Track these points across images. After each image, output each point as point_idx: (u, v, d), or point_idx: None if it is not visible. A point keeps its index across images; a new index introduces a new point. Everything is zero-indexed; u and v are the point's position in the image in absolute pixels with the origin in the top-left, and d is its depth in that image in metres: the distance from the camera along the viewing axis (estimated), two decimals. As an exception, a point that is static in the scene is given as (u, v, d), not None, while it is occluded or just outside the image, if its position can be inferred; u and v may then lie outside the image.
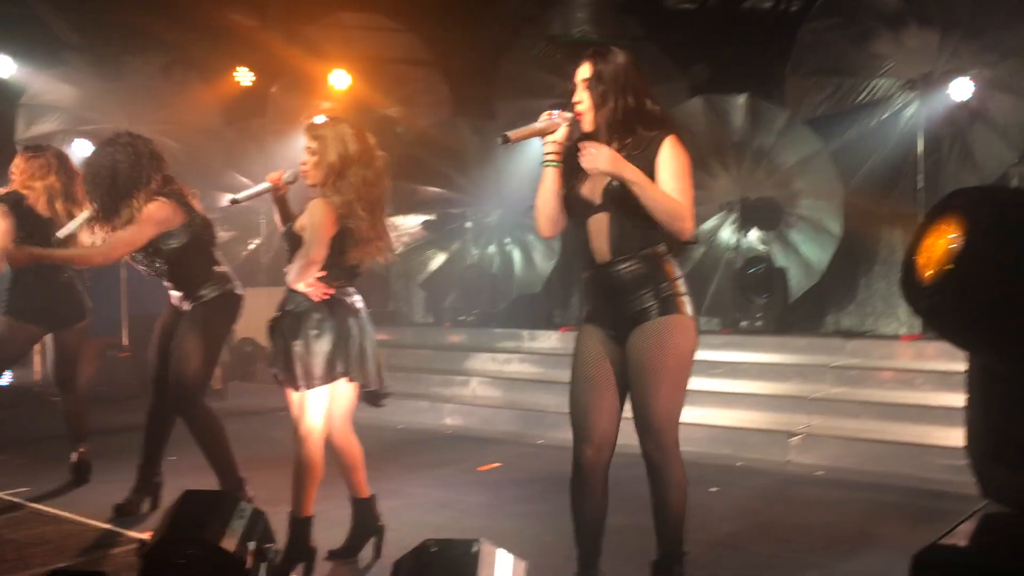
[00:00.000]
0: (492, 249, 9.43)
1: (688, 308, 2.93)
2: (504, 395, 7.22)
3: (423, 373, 7.80)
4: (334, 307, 3.43)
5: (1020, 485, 1.70)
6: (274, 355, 3.45)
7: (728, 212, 7.94)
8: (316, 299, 3.39)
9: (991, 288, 1.63)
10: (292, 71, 9.36)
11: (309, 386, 3.37)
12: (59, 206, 4.74)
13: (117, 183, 4.01)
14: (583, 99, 2.92)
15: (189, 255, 4.12)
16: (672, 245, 2.96)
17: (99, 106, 9.27)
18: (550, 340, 7.86)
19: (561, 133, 2.93)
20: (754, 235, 7.91)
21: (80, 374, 5.04)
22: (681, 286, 2.93)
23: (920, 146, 6.95)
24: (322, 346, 3.36)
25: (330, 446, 3.56)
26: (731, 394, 6.12)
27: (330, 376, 3.39)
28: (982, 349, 1.75)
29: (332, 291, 3.42)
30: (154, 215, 3.99)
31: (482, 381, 7.41)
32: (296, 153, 9.61)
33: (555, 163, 2.95)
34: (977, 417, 1.82)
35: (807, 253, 7.68)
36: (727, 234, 8.07)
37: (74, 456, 4.96)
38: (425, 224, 9.41)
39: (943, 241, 1.73)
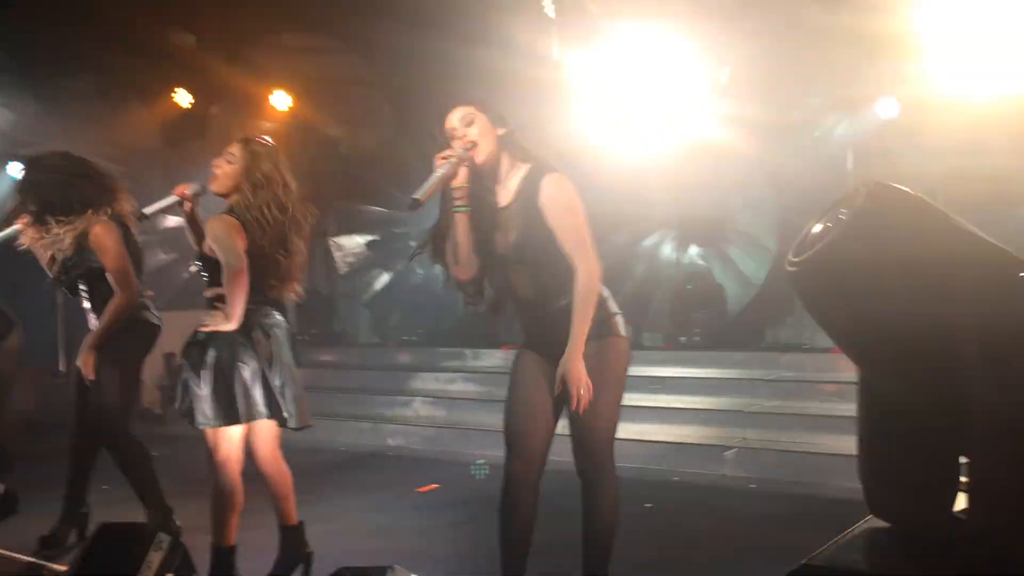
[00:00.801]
0: (437, 268, 9.42)
1: (620, 328, 2.98)
2: (447, 415, 7.22)
3: (367, 394, 7.77)
4: (251, 336, 3.36)
5: (897, 503, 1.76)
6: (176, 385, 3.38)
7: (667, 230, 8.06)
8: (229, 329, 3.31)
9: (858, 268, 1.68)
10: (232, 92, 9.31)
11: (206, 424, 3.30)
12: None
13: (66, 200, 4.00)
14: (467, 134, 2.93)
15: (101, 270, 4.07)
16: None
17: (36, 128, 9.11)
18: (493, 358, 7.88)
19: (462, 176, 2.93)
20: (693, 251, 8.04)
21: (7, 400, 4.92)
22: (611, 306, 2.99)
23: (850, 163, 7.13)
24: (220, 386, 3.28)
25: (259, 474, 3.54)
26: (669, 409, 6.21)
27: (228, 419, 3.30)
28: (837, 329, 1.79)
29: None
30: (111, 237, 3.99)
31: (425, 401, 7.41)
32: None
33: (465, 208, 2.97)
34: (861, 433, 1.88)
35: (744, 268, 7.82)
36: (667, 251, 8.18)
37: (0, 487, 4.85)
38: (369, 244, 9.41)
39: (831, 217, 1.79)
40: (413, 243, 9.38)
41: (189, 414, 3.34)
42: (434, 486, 5.47)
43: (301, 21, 9.46)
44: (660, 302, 8.06)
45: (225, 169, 3.40)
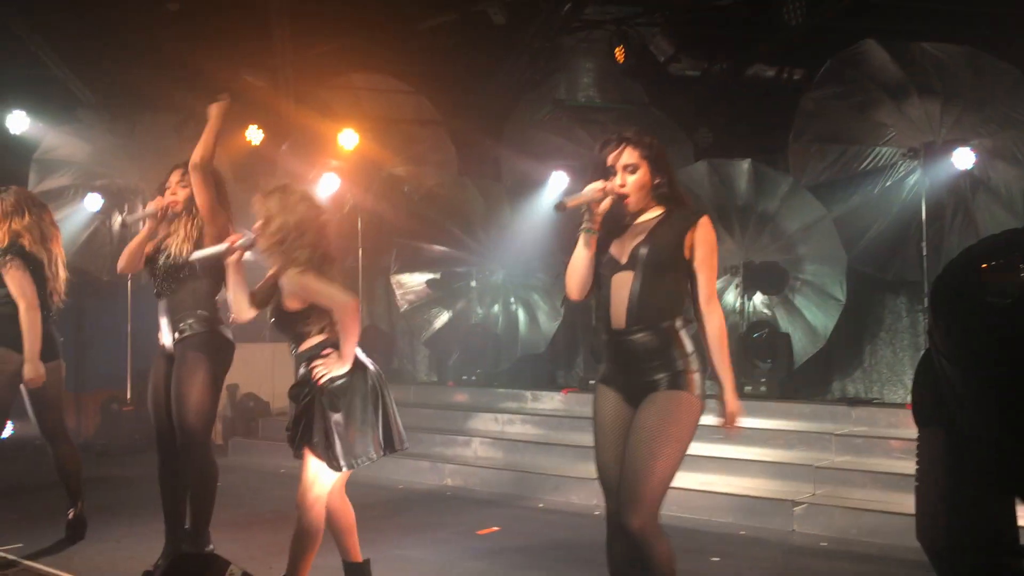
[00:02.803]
0: (496, 308, 9.44)
1: (697, 388, 2.95)
2: (505, 456, 7.15)
3: (425, 432, 7.73)
4: (366, 375, 3.47)
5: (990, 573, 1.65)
6: (309, 429, 3.37)
7: (732, 276, 7.96)
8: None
9: None
10: (302, 130, 9.49)
11: (351, 466, 3.37)
12: (43, 243, 4.67)
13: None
14: (626, 183, 3.02)
15: (207, 277, 4.15)
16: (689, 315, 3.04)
17: (111, 162, 9.38)
18: (553, 401, 7.82)
19: (605, 204, 3.02)
20: (758, 299, 7.91)
21: (65, 424, 4.89)
22: (694, 363, 2.95)
23: (923, 213, 6.99)
24: (368, 421, 3.40)
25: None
26: (734, 460, 6.06)
27: (377, 453, 3.43)
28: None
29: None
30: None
31: (483, 442, 7.35)
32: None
33: (594, 232, 3.04)
34: (934, 501, 1.76)
35: (811, 318, 7.67)
36: (731, 298, 8.07)
37: (70, 513, 4.88)
38: (430, 282, 9.44)
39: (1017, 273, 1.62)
40: (474, 283, 9.44)
41: (329, 457, 3.36)
42: (495, 529, 5.40)
43: (368, 62, 9.67)
44: (724, 350, 7.92)
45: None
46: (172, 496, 4.21)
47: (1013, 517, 1.91)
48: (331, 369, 3.36)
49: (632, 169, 3.02)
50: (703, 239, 2.99)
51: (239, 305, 3.58)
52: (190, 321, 4.14)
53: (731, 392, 3.03)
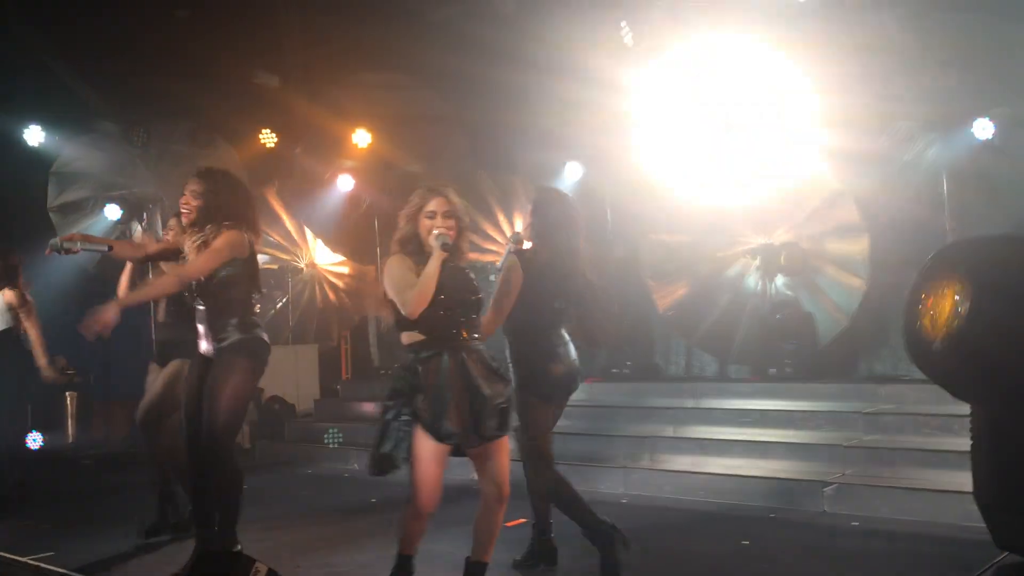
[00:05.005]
0: (517, 301, 9.40)
1: None
2: (531, 449, 7.12)
3: (450, 428, 7.73)
4: None
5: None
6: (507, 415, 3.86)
7: (752, 258, 7.88)
8: None
9: (1001, 347, 1.57)
10: (315, 131, 9.50)
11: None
12: None
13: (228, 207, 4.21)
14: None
15: (240, 285, 4.16)
16: None
17: (128, 171, 9.45)
18: (577, 391, 7.75)
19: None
20: (780, 281, 7.83)
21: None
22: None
23: (944, 187, 6.88)
24: None
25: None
26: (762, 443, 5.99)
27: None
28: (995, 404, 1.69)
29: None
30: (230, 240, 4.11)
31: (509, 435, 7.32)
32: (319, 211, 9.56)
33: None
34: (985, 464, 1.76)
35: (835, 297, 7.58)
36: (752, 280, 8.00)
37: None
38: (450, 278, 9.43)
39: (947, 302, 1.65)
40: (492, 277, 9.39)
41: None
42: (521, 520, 5.38)
43: (379, 59, 9.65)
44: (747, 333, 7.86)
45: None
46: (202, 498, 4.23)
47: None
48: None
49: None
50: None
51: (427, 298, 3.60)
52: (229, 329, 4.15)
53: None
